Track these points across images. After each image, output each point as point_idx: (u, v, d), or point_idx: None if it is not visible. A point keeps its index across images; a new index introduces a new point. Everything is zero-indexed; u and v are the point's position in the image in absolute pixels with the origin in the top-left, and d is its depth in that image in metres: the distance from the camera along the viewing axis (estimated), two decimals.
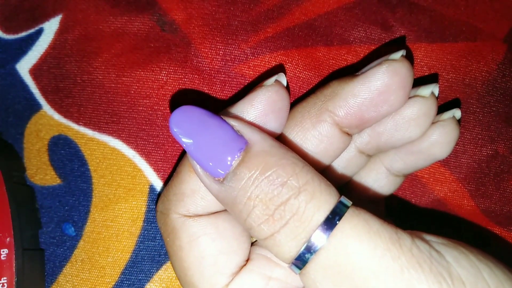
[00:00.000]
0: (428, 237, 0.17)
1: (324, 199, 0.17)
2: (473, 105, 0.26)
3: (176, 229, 0.20)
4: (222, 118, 0.18)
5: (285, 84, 0.21)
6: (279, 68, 0.26)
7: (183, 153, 0.26)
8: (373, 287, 0.16)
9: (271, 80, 0.21)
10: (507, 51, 0.26)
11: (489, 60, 0.26)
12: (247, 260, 0.21)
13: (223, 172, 0.18)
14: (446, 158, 0.25)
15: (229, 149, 0.18)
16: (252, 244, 0.22)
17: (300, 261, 0.17)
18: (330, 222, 0.16)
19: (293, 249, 0.17)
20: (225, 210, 0.21)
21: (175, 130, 0.18)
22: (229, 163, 0.18)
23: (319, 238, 0.16)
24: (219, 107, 0.26)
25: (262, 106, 0.20)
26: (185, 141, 0.18)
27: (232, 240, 0.21)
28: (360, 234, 0.16)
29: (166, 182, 0.26)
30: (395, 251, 0.16)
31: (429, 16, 0.26)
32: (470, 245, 0.17)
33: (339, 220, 0.16)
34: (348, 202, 0.17)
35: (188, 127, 0.18)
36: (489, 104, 0.26)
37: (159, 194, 0.26)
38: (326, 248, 0.16)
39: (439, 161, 0.25)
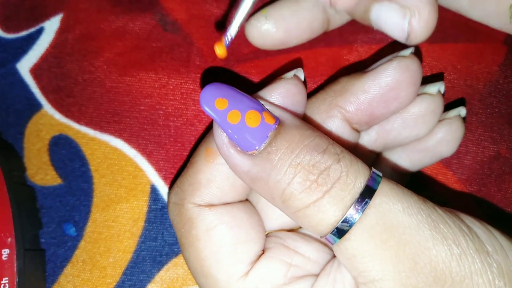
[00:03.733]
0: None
1: (362, 166, 0.18)
2: (475, 106, 0.26)
3: (192, 219, 0.20)
4: (251, 96, 0.19)
5: (303, 78, 0.21)
6: (296, 63, 0.26)
7: (187, 153, 0.26)
8: (415, 239, 0.17)
9: (290, 73, 0.21)
10: (508, 53, 0.26)
11: (490, 61, 0.26)
12: (263, 250, 0.21)
13: (258, 145, 0.18)
14: (449, 159, 0.25)
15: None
16: (266, 235, 0.22)
17: (347, 224, 0.17)
18: (372, 185, 0.17)
19: (339, 213, 0.17)
20: (240, 201, 0.21)
21: (205, 106, 0.18)
22: (264, 135, 0.18)
23: (363, 200, 0.17)
24: None
25: (282, 98, 0.20)
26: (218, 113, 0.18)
27: (249, 228, 0.20)
28: (399, 195, 0.17)
29: (168, 182, 0.26)
30: (426, 209, 0.17)
31: None
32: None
33: (378, 184, 0.17)
34: (378, 172, 0.18)
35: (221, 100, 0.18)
36: (491, 105, 0.26)
37: (170, 188, 0.26)
38: (371, 209, 0.17)
39: (441, 162, 0.25)
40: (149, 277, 0.25)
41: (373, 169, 0.18)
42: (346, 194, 0.17)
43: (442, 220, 0.17)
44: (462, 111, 0.23)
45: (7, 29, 0.26)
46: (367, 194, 0.17)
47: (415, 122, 0.22)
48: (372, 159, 0.23)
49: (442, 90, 0.22)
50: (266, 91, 0.20)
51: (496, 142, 0.26)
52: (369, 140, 0.23)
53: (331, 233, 0.17)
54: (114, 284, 0.25)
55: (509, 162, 0.26)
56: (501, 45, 0.26)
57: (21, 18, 0.26)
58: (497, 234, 0.18)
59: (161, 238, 0.26)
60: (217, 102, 0.18)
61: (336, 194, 0.17)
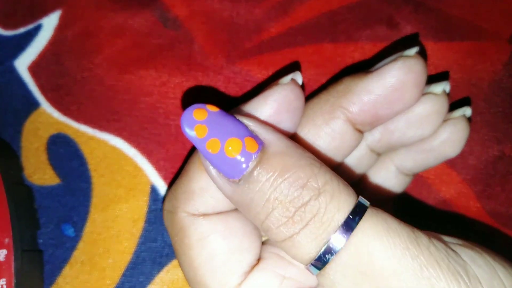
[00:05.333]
0: (444, 237, 0.17)
1: (344, 199, 0.17)
2: (480, 106, 0.25)
3: (185, 228, 0.20)
4: (235, 117, 0.18)
5: (300, 82, 0.20)
6: (294, 66, 0.25)
7: (187, 152, 0.25)
8: (394, 286, 0.15)
9: (287, 78, 0.20)
10: None
11: (495, 60, 0.26)
12: (259, 259, 0.21)
13: (237, 177, 0.17)
14: (453, 159, 0.25)
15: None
16: (263, 243, 0.22)
17: (320, 262, 0.17)
18: (351, 222, 0.16)
19: (313, 250, 0.16)
20: (234, 209, 0.21)
21: (186, 133, 0.17)
22: (244, 165, 0.17)
23: (339, 238, 0.16)
24: (225, 104, 0.25)
25: (277, 105, 0.19)
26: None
27: (243, 238, 0.20)
28: (380, 233, 0.16)
29: (168, 182, 0.25)
30: (413, 250, 0.16)
31: (435, 15, 0.26)
32: (484, 246, 0.17)
33: (359, 220, 0.16)
34: (366, 202, 0.17)
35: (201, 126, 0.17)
36: (496, 104, 0.26)
37: (166, 194, 0.25)
38: (347, 248, 0.16)
39: (445, 162, 0.25)
40: (149, 278, 0.25)
41: (360, 199, 0.17)
42: (322, 232, 0.16)
43: (433, 262, 0.16)
44: (467, 111, 0.22)
45: (4, 26, 0.26)
46: (346, 230, 0.16)
47: (419, 122, 0.21)
48: (374, 160, 0.23)
49: (447, 89, 0.22)
50: (261, 98, 0.19)
51: (500, 142, 0.25)
52: (372, 140, 0.22)
53: (311, 264, 0.17)
54: (114, 285, 0.25)
55: None
56: (506, 44, 0.26)
57: (19, 15, 0.26)
58: (501, 272, 0.16)
59: (161, 239, 0.25)
60: (196, 128, 0.17)
61: (311, 231, 0.16)
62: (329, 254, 0.16)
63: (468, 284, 0.15)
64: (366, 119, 0.20)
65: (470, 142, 0.25)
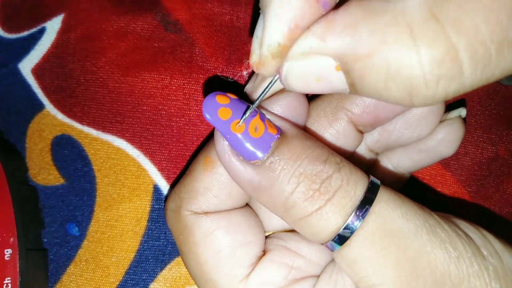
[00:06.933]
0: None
1: (361, 174, 0.18)
2: (474, 108, 0.26)
3: (189, 226, 0.20)
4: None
5: None
6: None
7: (189, 153, 0.26)
8: (414, 245, 0.17)
9: None
10: None
11: None
12: (264, 251, 0.21)
13: (261, 155, 0.18)
14: (447, 160, 0.26)
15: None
16: (268, 236, 0.23)
17: (344, 234, 0.17)
18: (370, 194, 0.18)
19: (340, 220, 0.17)
20: (236, 208, 0.21)
21: (208, 116, 0.18)
22: (267, 144, 0.18)
23: (363, 208, 0.17)
24: None
25: (282, 111, 0.20)
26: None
27: (247, 231, 0.21)
28: (396, 201, 0.18)
29: (171, 182, 0.26)
30: (423, 215, 0.18)
31: None
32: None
33: (377, 191, 0.18)
34: (377, 181, 0.18)
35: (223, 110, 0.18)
36: (490, 107, 0.26)
37: (167, 195, 0.26)
38: (371, 216, 0.17)
39: (440, 163, 0.26)
40: (152, 276, 0.26)
41: (372, 177, 0.18)
42: (347, 201, 0.17)
43: (438, 225, 0.18)
44: (462, 112, 0.23)
45: (8, 29, 0.26)
46: (367, 201, 0.17)
47: (417, 123, 0.22)
48: (373, 159, 0.24)
49: None
50: (267, 103, 0.20)
51: (494, 143, 0.26)
52: (371, 140, 0.23)
53: (333, 240, 0.18)
54: (117, 283, 0.25)
55: (507, 163, 0.26)
56: None
57: (23, 18, 0.26)
58: (491, 238, 0.18)
59: (164, 238, 0.26)
60: (220, 111, 0.18)
61: (337, 202, 0.17)
62: (358, 221, 0.17)
63: (467, 242, 0.17)
64: (368, 120, 0.21)
65: (464, 143, 0.26)
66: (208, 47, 0.26)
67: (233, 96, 0.18)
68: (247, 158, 0.18)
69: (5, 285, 0.23)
